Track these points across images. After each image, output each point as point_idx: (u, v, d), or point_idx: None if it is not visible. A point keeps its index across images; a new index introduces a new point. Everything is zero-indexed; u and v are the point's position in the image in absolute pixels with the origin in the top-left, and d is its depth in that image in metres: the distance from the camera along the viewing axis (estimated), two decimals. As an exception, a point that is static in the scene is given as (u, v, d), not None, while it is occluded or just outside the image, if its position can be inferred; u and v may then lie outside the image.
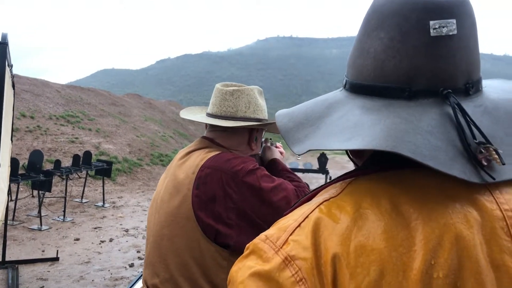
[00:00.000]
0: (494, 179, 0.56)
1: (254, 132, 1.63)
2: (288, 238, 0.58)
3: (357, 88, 0.67)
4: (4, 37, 2.38)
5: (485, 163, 0.56)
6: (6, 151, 3.67)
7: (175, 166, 1.54)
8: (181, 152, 1.59)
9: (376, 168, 0.63)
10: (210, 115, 1.62)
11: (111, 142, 15.48)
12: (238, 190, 1.38)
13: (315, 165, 13.25)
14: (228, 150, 1.56)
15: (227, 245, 1.37)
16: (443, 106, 0.61)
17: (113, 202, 10.18)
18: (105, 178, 10.21)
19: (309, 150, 0.63)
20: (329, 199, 0.61)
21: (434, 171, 0.56)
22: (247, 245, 0.62)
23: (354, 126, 0.61)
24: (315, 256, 0.55)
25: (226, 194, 1.38)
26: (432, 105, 0.61)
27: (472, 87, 0.63)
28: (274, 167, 1.70)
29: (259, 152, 1.77)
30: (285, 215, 0.64)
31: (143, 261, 6.08)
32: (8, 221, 6.63)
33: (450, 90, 0.61)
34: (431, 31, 0.60)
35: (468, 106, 0.61)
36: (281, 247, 0.57)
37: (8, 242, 5.79)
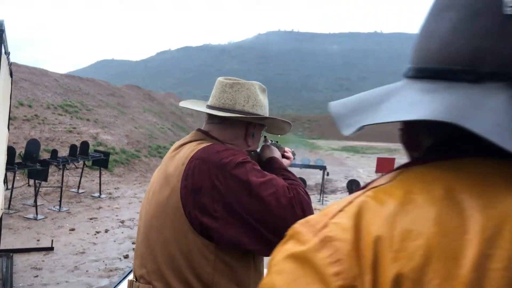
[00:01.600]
0: None
1: (251, 127, 1.61)
2: (328, 221, 0.55)
3: (418, 72, 0.63)
4: (1, 23, 2.36)
5: None
6: (2, 139, 3.65)
7: (168, 158, 1.54)
8: (175, 145, 1.58)
9: (433, 158, 0.60)
10: (209, 106, 1.61)
11: (109, 133, 15.45)
12: (225, 182, 1.36)
13: (313, 161, 13.27)
14: (222, 143, 1.54)
15: (211, 238, 1.35)
16: None
17: (110, 193, 10.18)
18: (102, 168, 10.20)
19: (361, 128, 0.60)
20: (378, 186, 0.58)
21: (497, 159, 0.53)
22: (287, 232, 0.59)
23: (410, 105, 0.57)
24: (355, 238, 0.52)
25: (213, 186, 1.36)
26: (500, 89, 0.55)
27: None
28: (270, 165, 1.69)
29: (257, 150, 1.76)
30: None
31: (138, 252, 6.09)
32: (4, 210, 6.62)
33: None
34: (505, 9, 0.54)
35: None
36: (320, 230, 0.54)
37: (3, 231, 5.78)
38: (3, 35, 2.42)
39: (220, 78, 1.64)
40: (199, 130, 1.61)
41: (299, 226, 0.57)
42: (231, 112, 1.56)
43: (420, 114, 0.53)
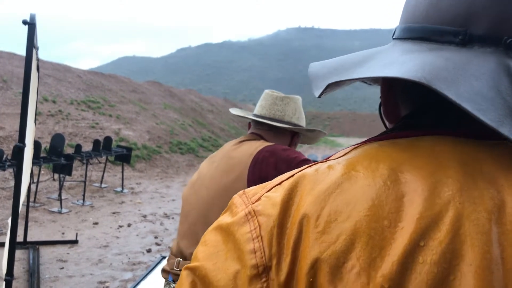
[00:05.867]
0: None
1: (295, 138, 1.80)
2: (263, 194, 0.52)
3: (404, 32, 0.57)
4: (33, 17, 2.39)
5: None
6: (30, 134, 3.71)
7: (229, 150, 1.69)
8: (232, 142, 1.75)
9: (398, 134, 0.54)
10: (259, 116, 1.78)
11: (131, 129, 15.61)
12: None
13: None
14: None
15: None
16: (503, 58, 0.49)
17: (132, 188, 10.29)
18: (124, 164, 10.32)
19: (328, 88, 0.55)
20: (326, 161, 0.53)
21: (463, 139, 0.48)
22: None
23: (387, 64, 0.51)
24: (282, 214, 0.48)
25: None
26: (489, 55, 0.49)
27: None
28: None
29: None
30: None
31: (160, 247, 6.15)
32: (30, 203, 6.75)
33: None
34: None
35: None
36: (252, 203, 0.52)
37: (29, 224, 5.90)
38: (35, 29, 2.46)
39: (268, 91, 1.82)
40: (253, 133, 1.78)
41: (237, 197, 0.55)
42: (280, 123, 1.74)
43: (389, 72, 0.48)
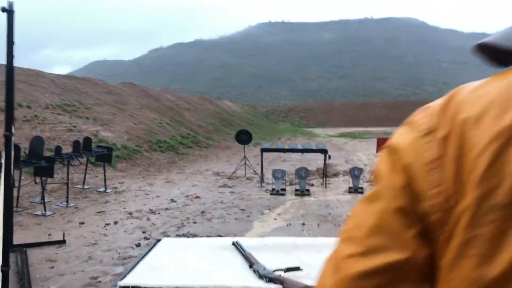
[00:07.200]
0: None
1: None
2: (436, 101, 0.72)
3: None
4: (11, 5, 2.37)
5: None
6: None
7: None
8: None
9: None
10: None
11: (109, 130, 15.46)
12: None
13: (314, 146, 13.35)
14: None
15: None
16: None
17: (115, 188, 10.22)
18: (105, 164, 10.22)
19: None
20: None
21: None
22: None
23: None
24: (445, 104, 0.67)
25: None
26: None
27: None
28: None
29: None
30: None
31: (149, 241, 6.14)
32: (12, 208, 6.64)
33: None
34: None
35: None
36: (428, 106, 0.71)
37: (14, 228, 5.81)
38: (13, 17, 2.43)
39: None
40: None
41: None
42: None
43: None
